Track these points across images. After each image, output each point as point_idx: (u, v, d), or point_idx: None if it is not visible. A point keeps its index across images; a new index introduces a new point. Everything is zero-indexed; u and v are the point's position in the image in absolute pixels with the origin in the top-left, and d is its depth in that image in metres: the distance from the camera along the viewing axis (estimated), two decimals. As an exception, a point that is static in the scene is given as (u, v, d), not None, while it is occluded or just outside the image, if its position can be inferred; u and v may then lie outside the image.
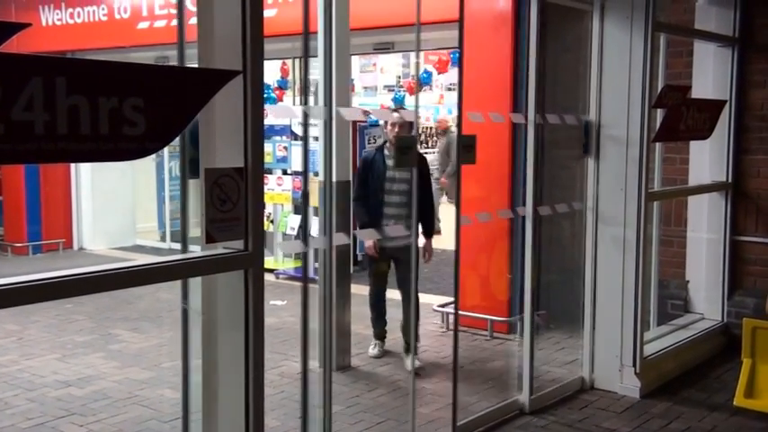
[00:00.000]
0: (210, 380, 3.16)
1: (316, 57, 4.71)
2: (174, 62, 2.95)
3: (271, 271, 8.96)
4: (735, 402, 5.01)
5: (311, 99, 5.56)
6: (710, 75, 6.36)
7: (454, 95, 14.26)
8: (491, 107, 6.07)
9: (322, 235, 3.90)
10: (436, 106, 16.43)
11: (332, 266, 3.89)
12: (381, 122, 9.57)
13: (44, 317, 7.23)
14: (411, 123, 5.93)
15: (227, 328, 3.07)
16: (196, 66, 2.98)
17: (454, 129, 16.55)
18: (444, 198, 13.15)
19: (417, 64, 5.18)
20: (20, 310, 6.28)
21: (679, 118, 5.40)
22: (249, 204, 2.91)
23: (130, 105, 2.41)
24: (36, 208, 10.91)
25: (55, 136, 2.24)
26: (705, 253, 6.51)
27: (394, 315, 6.15)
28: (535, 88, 4.98)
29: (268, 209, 9.38)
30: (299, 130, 9.28)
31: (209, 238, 2.83)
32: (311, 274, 8.26)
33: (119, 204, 11.38)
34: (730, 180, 6.37)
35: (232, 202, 2.87)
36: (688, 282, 6.67)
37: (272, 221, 9.64)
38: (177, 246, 10.78)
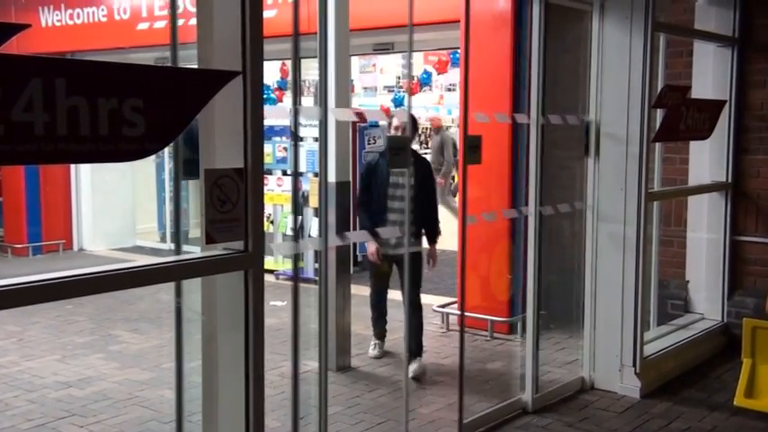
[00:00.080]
0: (211, 381, 3.16)
1: (315, 57, 4.71)
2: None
3: (271, 272, 8.96)
4: (735, 402, 5.01)
5: (311, 100, 5.57)
6: (710, 75, 6.36)
7: (454, 96, 14.28)
8: (491, 107, 6.08)
9: (315, 235, 3.91)
10: (436, 107, 16.42)
11: (327, 267, 3.88)
12: (381, 124, 9.57)
13: (44, 318, 7.23)
14: (415, 126, 5.89)
15: (227, 328, 3.07)
16: (195, 66, 2.99)
17: (452, 127, 16.50)
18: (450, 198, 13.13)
19: (410, 65, 5.12)
20: (20, 311, 6.29)
21: (679, 118, 5.40)
22: (249, 205, 2.92)
23: (130, 106, 2.41)
24: (36, 209, 10.91)
25: (55, 137, 2.24)
26: (705, 253, 6.51)
27: (394, 315, 6.14)
28: (538, 89, 4.99)
29: (268, 209, 9.38)
30: (299, 131, 9.27)
31: (209, 239, 2.83)
32: (311, 274, 8.28)
33: (119, 205, 11.37)
34: (730, 180, 6.37)
35: (232, 202, 2.87)
36: (688, 282, 6.67)
37: (271, 222, 9.63)
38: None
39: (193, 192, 11.16)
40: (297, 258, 3.72)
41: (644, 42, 5.12)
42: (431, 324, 7.08)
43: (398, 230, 5.43)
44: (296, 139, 3.94)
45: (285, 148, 9.49)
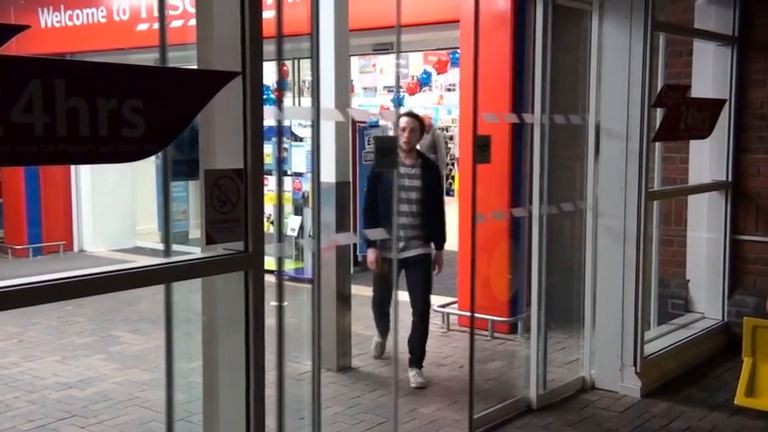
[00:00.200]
0: (211, 381, 3.16)
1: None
2: (173, 64, 2.95)
3: (271, 272, 8.94)
4: (735, 401, 5.01)
5: (309, 101, 5.54)
6: (710, 74, 6.36)
7: (454, 96, 14.27)
8: (491, 107, 6.07)
9: (308, 236, 3.91)
10: (436, 107, 16.42)
11: (320, 267, 3.88)
12: (382, 124, 9.58)
13: (45, 319, 7.23)
14: (422, 127, 5.79)
15: (227, 329, 3.07)
16: (195, 67, 2.99)
17: (452, 127, 16.46)
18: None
19: (397, 65, 5.07)
20: (20, 312, 6.29)
21: (679, 117, 5.40)
22: (249, 205, 2.92)
23: (130, 107, 2.41)
24: (36, 210, 10.91)
25: (54, 138, 2.25)
26: (705, 252, 6.51)
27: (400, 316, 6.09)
28: (543, 89, 5.00)
29: (268, 210, 9.36)
30: (299, 132, 9.28)
31: (209, 240, 2.83)
32: (311, 274, 8.25)
33: (119, 206, 11.37)
34: (730, 179, 6.37)
35: (232, 203, 2.87)
36: (688, 281, 6.67)
37: (272, 223, 9.62)
38: (178, 247, 10.80)
39: (193, 192, 11.20)
40: (281, 260, 3.73)
41: (643, 42, 5.13)
42: (431, 324, 7.07)
43: (386, 233, 5.30)
44: (279, 140, 4.00)
45: (285, 149, 9.48)
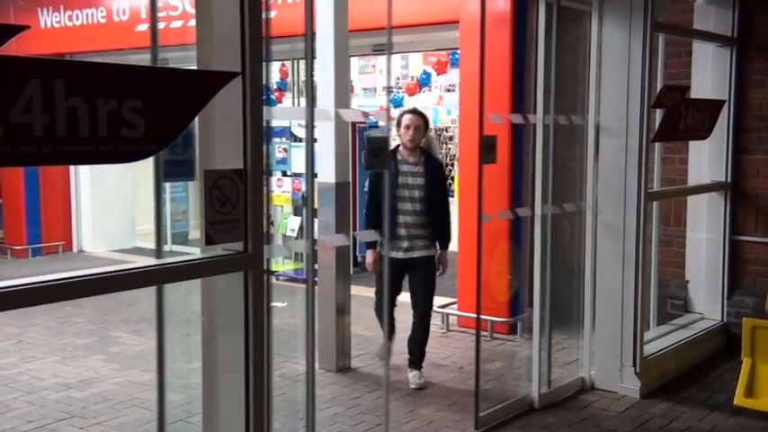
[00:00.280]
0: (211, 382, 3.16)
1: (313, 58, 4.70)
2: (173, 64, 2.95)
3: (271, 273, 8.95)
4: (735, 402, 5.01)
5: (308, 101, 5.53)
6: (709, 75, 6.37)
7: (453, 96, 14.25)
8: (490, 108, 6.06)
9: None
10: (435, 107, 16.41)
11: (313, 268, 3.87)
12: (382, 124, 9.57)
13: (44, 319, 7.23)
14: (427, 124, 5.66)
15: (227, 330, 3.07)
16: (194, 67, 2.99)
17: (451, 128, 16.43)
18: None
19: (389, 67, 5.04)
20: (20, 312, 6.29)
21: (678, 118, 5.41)
22: (249, 206, 2.92)
23: (129, 107, 2.41)
24: (35, 210, 10.91)
25: (54, 138, 2.24)
26: (705, 253, 6.51)
27: (399, 317, 6.11)
28: (545, 88, 5.01)
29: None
30: (299, 132, 9.28)
31: (209, 240, 2.83)
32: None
33: (118, 206, 11.37)
34: (729, 180, 6.37)
35: (231, 203, 2.87)
36: (688, 281, 6.68)
37: (271, 223, 9.63)
38: (178, 248, 10.84)
39: (193, 193, 11.18)
40: (268, 261, 3.73)
41: (643, 42, 5.13)
42: (431, 324, 7.07)
43: (376, 234, 5.24)
44: (269, 140, 3.99)
45: (285, 149, 9.49)
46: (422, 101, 15.39)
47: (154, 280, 2.79)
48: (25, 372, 5.91)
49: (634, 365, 5.33)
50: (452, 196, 13.45)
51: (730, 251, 6.42)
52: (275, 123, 9.39)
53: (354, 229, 7.75)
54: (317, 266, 6.31)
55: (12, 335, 6.85)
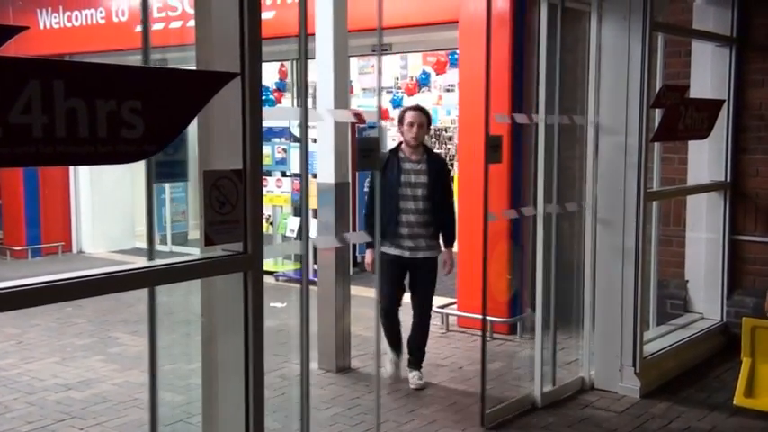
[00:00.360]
0: (210, 383, 3.16)
1: (313, 59, 4.71)
2: (172, 64, 2.96)
3: (270, 273, 8.95)
4: (734, 402, 5.01)
5: (309, 101, 5.53)
6: (709, 74, 6.37)
7: (452, 97, 14.26)
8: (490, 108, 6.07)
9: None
10: (435, 107, 16.41)
11: (308, 268, 3.87)
12: (376, 120, 9.56)
13: (44, 320, 7.23)
14: (430, 122, 5.58)
15: (226, 330, 3.07)
16: (193, 68, 2.99)
17: (451, 128, 16.45)
18: None
19: (379, 68, 4.99)
20: (19, 313, 6.29)
21: (677, 118, 5.41)
22: (248, 206, 2.92)
23: (128, 108, 2.41)
24: (35, 211, 10.91)
25: (53, 139, 2.25)
26: (704, 252, 6.51)
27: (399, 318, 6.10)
28: (547, 88, 5.01)
29: (267, 211, 9.37)
30: (298, 133, 9.27)
31: (208, 241, 2.83)
32: (311, 276, 8.27)
33: (118, 207, 11.36)
34: (729, 180, 6.37)
35: (231, 204, 2.87)
36: (687, 281, 6.68)
37: (271, 224, 9.63)
38: (177, 249, 10.84)
39: (192, 193, 11.18)
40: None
41: (642, 42, 5.13)
42: (431, 324, 7.07)
43: (367, 235, 5.19)
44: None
45: (284, 150, 9.49)
46: (421, 101, 15.38)
47: (153, 281, 2.79)
48: (25, 372, 5.91)
49: (634, 365, 5.33)
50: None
51: (730, 251, 6.42)
52: (273, 124, 9.39)
53: (354, 230, 7.74)
54: (316, 267, 6.31)
55: (12, 335, 6.85)
